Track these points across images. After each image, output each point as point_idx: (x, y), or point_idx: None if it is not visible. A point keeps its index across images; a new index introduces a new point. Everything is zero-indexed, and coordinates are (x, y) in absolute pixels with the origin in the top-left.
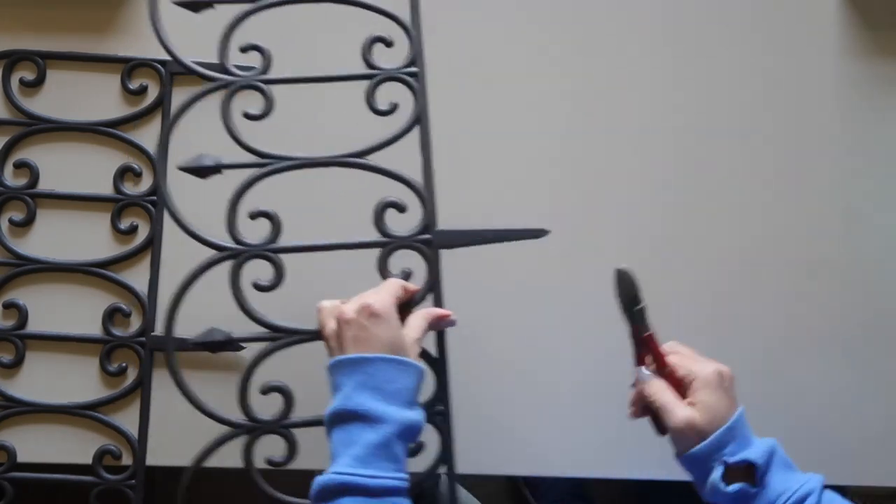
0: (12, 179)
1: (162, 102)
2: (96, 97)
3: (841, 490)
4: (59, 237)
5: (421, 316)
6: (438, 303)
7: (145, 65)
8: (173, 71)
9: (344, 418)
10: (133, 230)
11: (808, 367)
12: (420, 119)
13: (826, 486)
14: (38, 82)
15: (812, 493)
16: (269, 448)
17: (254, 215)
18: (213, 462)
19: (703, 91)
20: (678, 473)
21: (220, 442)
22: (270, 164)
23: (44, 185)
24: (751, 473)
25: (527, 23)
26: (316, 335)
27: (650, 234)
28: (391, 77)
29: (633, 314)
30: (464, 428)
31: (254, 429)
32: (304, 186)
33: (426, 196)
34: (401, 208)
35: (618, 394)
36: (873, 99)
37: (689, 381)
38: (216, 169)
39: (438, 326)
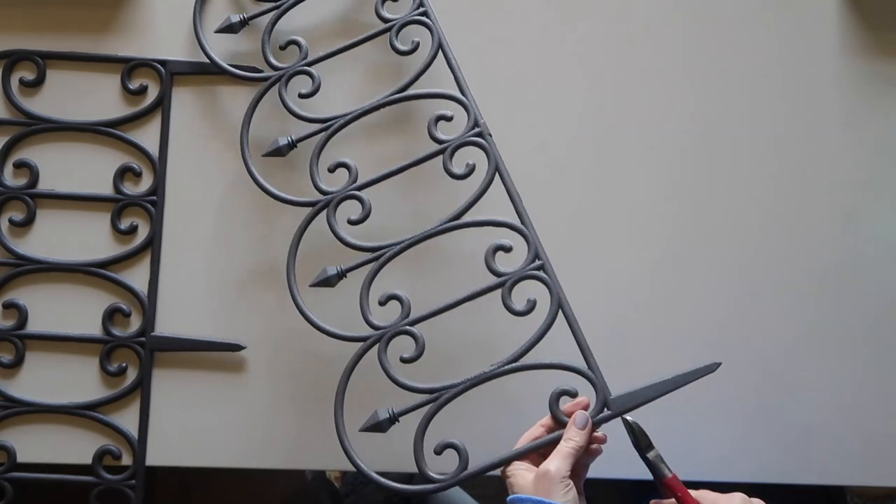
0: (12, 179)
1: (162, 102)
2: (96, 97)
3: (841, 490)
4: (59, 237)
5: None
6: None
7: (145, 65)
8: (174, 71)
9: None
10: (133, 230)
11: (808, 367)
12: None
13: (826, 486)
14: (38, 82)
15: None
16: None
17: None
18: (214, 462)
19: (702, 91)
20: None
21: None
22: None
23: (44, 185)
24: None
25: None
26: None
27: (656, 239)
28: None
29: (650, 461)
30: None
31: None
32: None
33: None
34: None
35: None
36: (873, 99)
37: None
38: (292, 145)
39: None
